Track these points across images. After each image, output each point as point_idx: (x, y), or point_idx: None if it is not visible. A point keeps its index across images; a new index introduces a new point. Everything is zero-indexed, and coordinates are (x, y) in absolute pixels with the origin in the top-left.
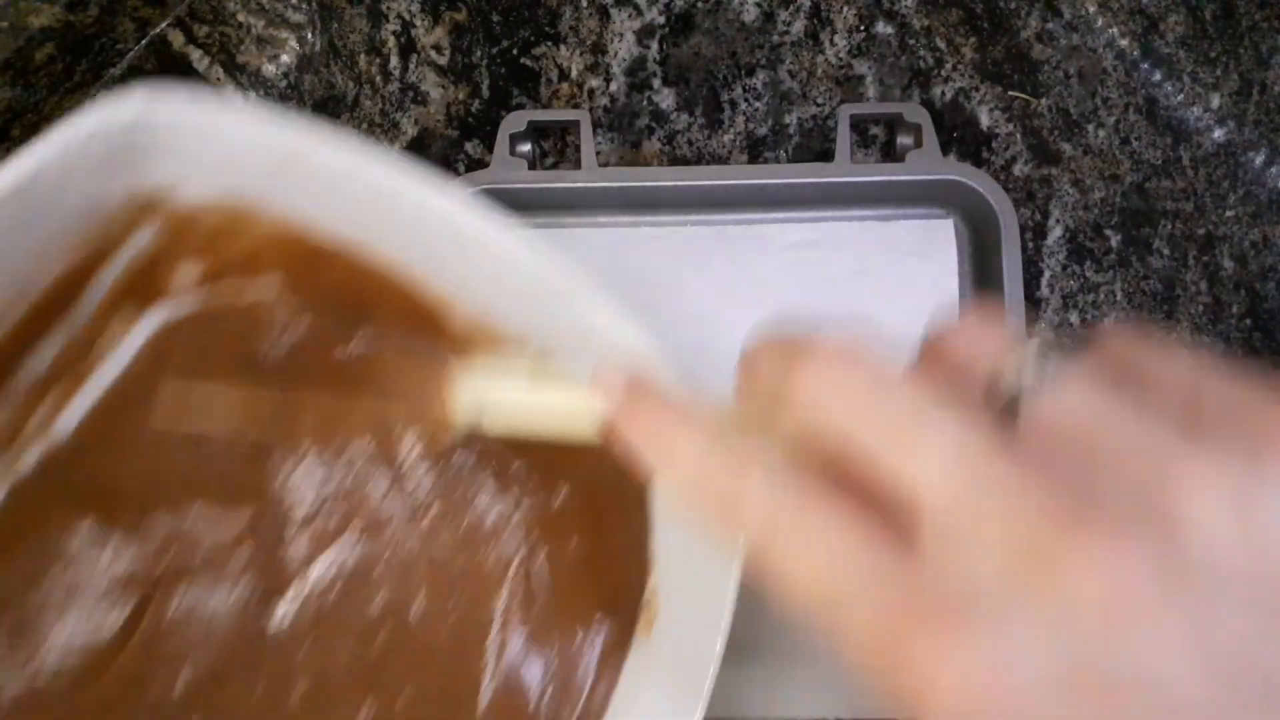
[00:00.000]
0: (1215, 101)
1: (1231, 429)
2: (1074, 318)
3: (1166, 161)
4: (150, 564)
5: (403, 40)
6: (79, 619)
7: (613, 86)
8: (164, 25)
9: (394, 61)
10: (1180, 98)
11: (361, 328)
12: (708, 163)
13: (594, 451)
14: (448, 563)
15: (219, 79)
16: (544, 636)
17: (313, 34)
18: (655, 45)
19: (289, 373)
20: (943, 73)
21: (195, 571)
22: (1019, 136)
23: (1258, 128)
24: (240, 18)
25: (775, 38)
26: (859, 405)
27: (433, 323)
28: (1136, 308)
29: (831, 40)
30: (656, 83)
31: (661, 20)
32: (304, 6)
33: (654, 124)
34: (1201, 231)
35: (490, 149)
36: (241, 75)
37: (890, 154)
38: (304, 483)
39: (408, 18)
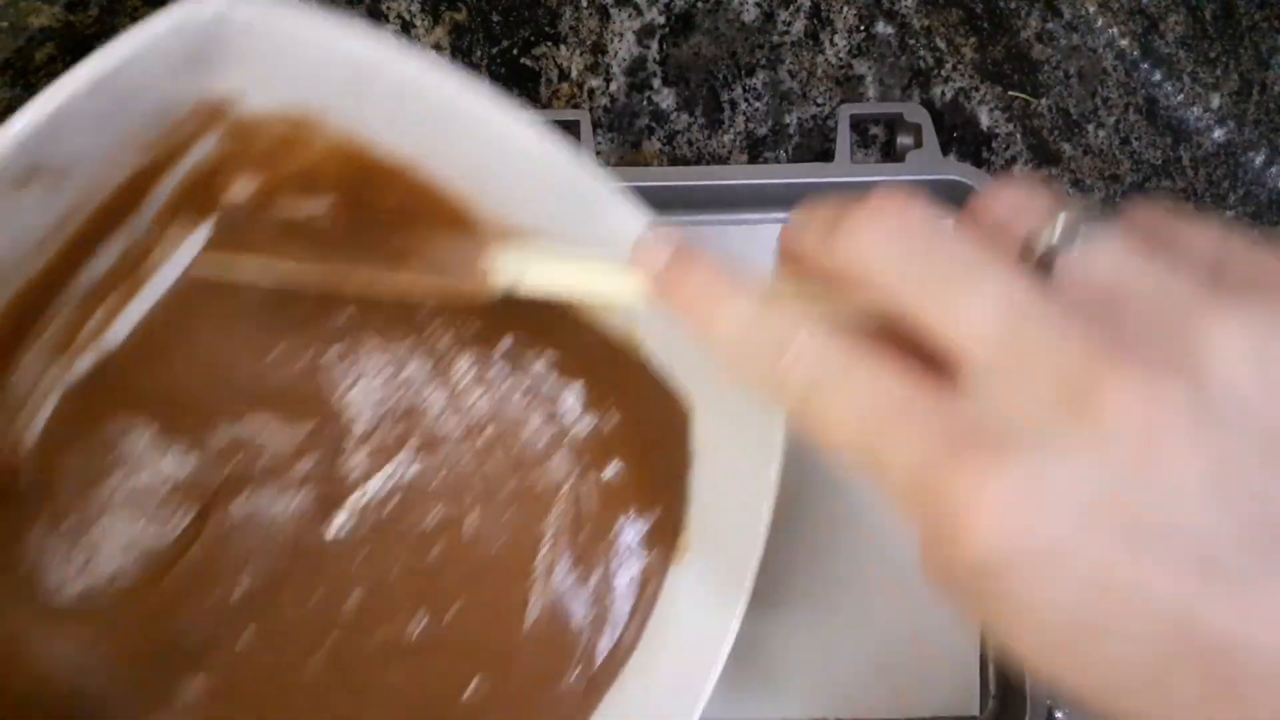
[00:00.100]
0: (1215, 101)
1: (1255, 286)
2: None
3: (1166, 161)
4: (211, 472)
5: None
6: (139, 523)
7: (613, 86)
8: None
9: None
10: (1180, 98)
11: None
12: (708, 163)
13: (643, 381)
14: (501, 482)
15: None
16: (588, 559)
17: None
18: (655, 45)
19: (330, 251)
20: (943, 73)
21: (256, 480)
22: (1019, 137)
23: (1258, 128)
24: None
25: (775, 38)
26: (905, 254)
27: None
28: None
29: (831, 40)
30: (656, 83)
31: (661, 20)
32: None
33: (654, 124)
34: None
35: None
36: None
37: (890, 154)
38: (363, 399)
39: (407, 18)
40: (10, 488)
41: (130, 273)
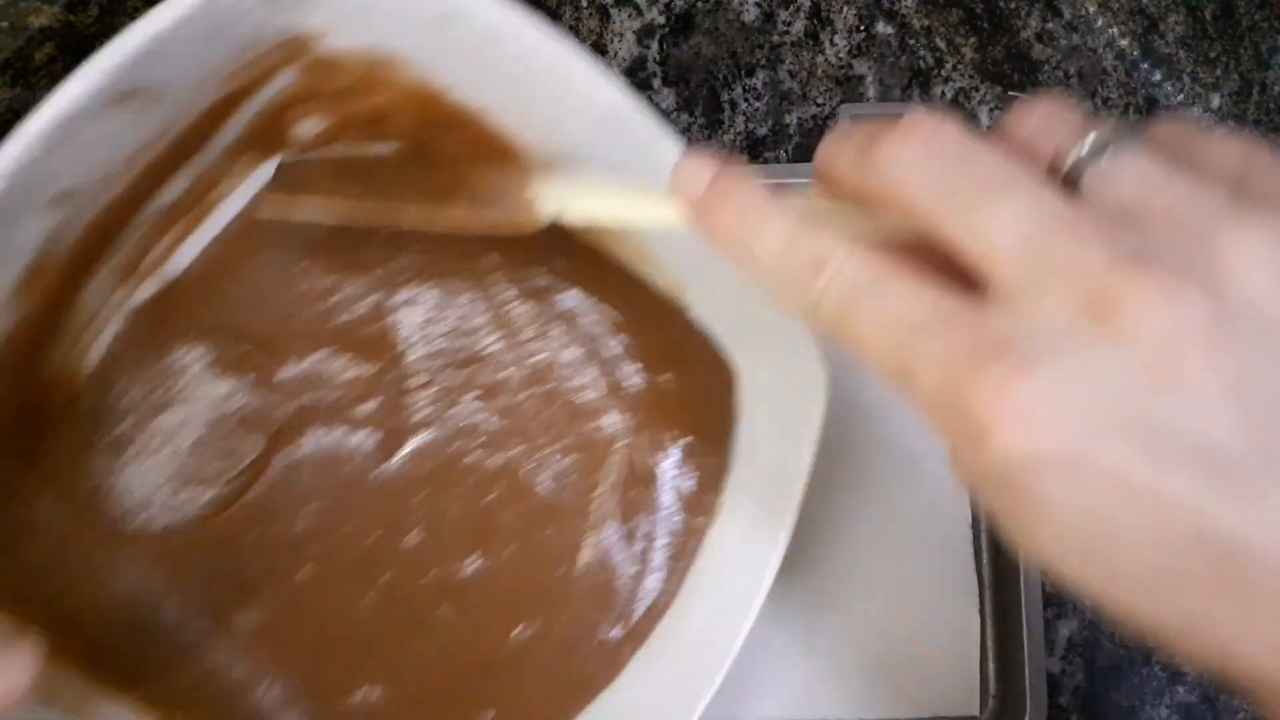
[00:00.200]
0: (1215, 101)
1: (1277, 199)
2: None
3: None
4: (278, 407)
5: None
6: (205, 455)
7: None
8: None
9: None
10: (1180, 98)
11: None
12: None
13: (693, 345)
14: (557, 433)
15: None
16: (635, 513)
17: None
18: (655, 45)
19: (382, 188)
20: (943, 73)
21: (321, 418)
22: None
23: (1258, 128)
24: None
25: (775, 38)
26: (937, 173)
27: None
28: None
29: (831, 40)
30: (656, 83)
31: (661, 20)
32: None
33: None
34: None
35: None
36: None
37: None
38: (426, 345)
39: None
40: (72, 409)
41: (197, 202)
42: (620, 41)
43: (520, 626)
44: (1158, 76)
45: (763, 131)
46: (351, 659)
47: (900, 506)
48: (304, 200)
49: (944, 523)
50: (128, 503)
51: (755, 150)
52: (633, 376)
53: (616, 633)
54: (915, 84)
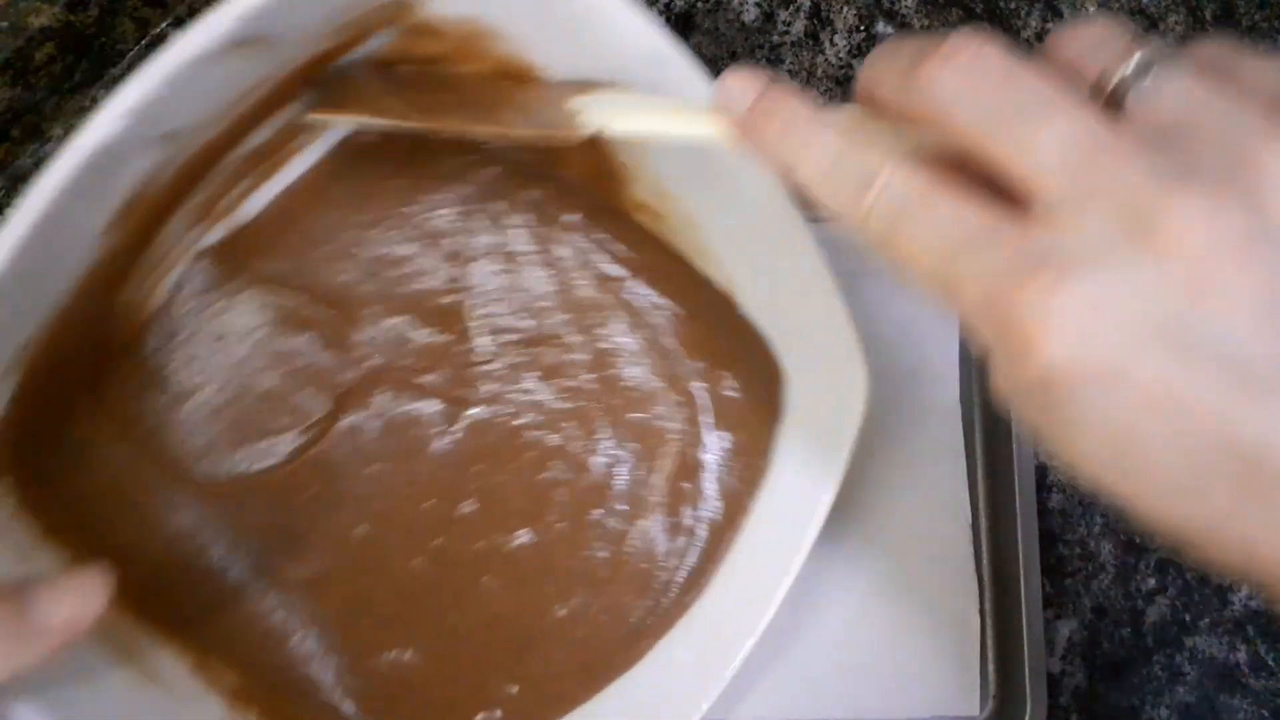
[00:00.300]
0: None
1: None
2: None
3: None
4: (349, 368)
5: None
6: (276, 406)
7: None
8: (164, 25)
9: None
10: None
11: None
12: None
13: (746, 342)
14: (617, 418)
15: None
16: (682, 503)
17: None
18: None
19: (427, 106)
20: None
21: (391, 382)
22: None
23: None
24: None
25: (775, 38)
26: (981, 94)
27: (609, 187)
28: None
29: (831, 40)
30: None
31: (662, 20)
32: None
33: None
34: None
35: None
36: None
37: None
38: (498, 321)
39: None
40: (135, 346)
41: (275, 151)
42: None
43: (558, 605)
44: None
45: None
46: (390, 619)
47: (900, 506)
48: (348, 117)
49: (944, 523)
50: (189, 447)
51: None
52: (690, 371)
53: (645, 619)
54: None
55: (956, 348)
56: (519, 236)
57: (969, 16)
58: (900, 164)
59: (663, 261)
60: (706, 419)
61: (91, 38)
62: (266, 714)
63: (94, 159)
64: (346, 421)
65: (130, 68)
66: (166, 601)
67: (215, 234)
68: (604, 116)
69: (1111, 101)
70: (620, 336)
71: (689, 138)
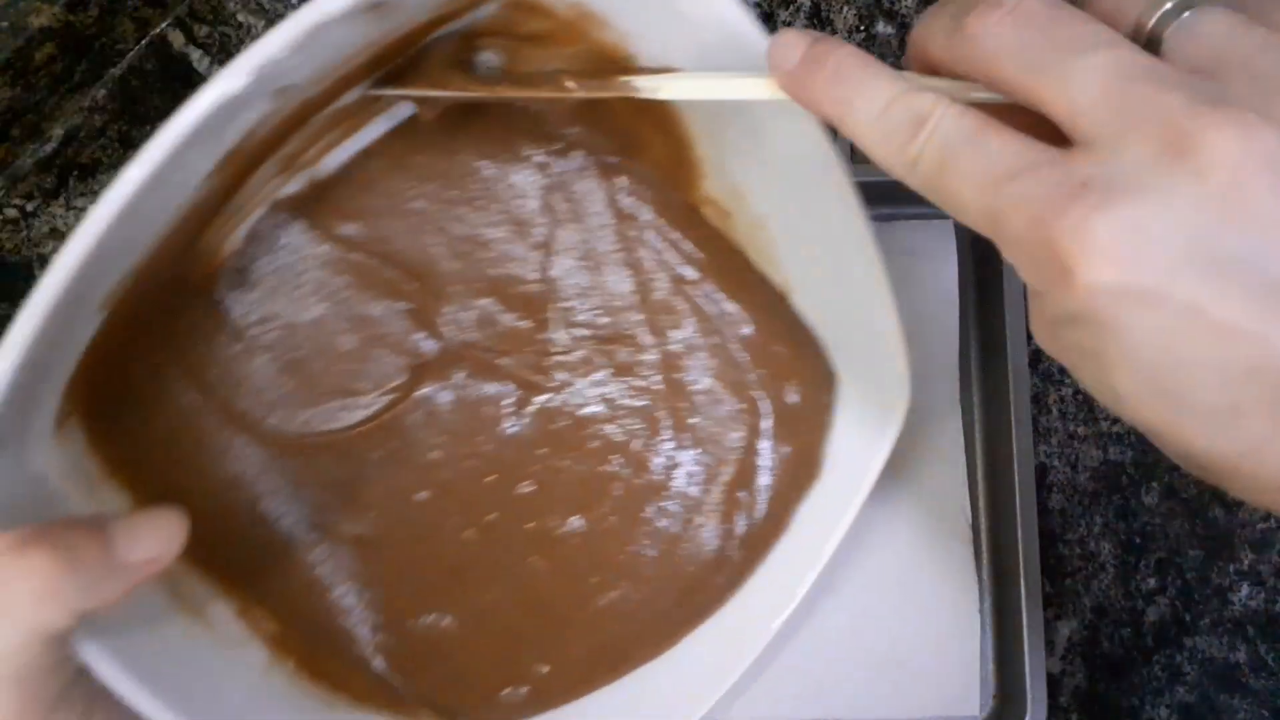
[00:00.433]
0: None
1: None
2: None
3: None
4: (432, 341)
5: None
6: (353, 370)
7: None
8: (164, 25)
9: None
10: None
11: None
12: None
13: (809, 353)
14: (681, 422)
15: None
16: (737, 511)
17: None
18: None
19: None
20: None
21: (471, 362)
22: None
23: None
24: (240, 18)
25: None
26: (1024, 39)
27: (683, 181)
28: None
29: None
30: None
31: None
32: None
33: None
34: None
35: None
36: None
37: None
38: (577, 315)
39: None
40: (206, 290)
41: (362, 110)
42: None
43: (600, 595)
44: None
45: None
46: (433, 585)
47: (900, 506)
48: (413, 90)
49: (944, 523)
50: (259, 399)
51: None
52: (755, 379)
53: (678, 618)
54: None
55: (957, 348)
56: (604, 236)
57: None
58: (950, 105)
59: (726, 262)
60: (766, 427)
61: (91, 38)
62: (303, 664)
63: (219, 109)
64: (422, 392)
65: (130, 68)
66: (220, 548)
67: (293, 186)
68: (654, 83)
69: (1151, 43)
70: (690, 340)
71: (742, 93)
